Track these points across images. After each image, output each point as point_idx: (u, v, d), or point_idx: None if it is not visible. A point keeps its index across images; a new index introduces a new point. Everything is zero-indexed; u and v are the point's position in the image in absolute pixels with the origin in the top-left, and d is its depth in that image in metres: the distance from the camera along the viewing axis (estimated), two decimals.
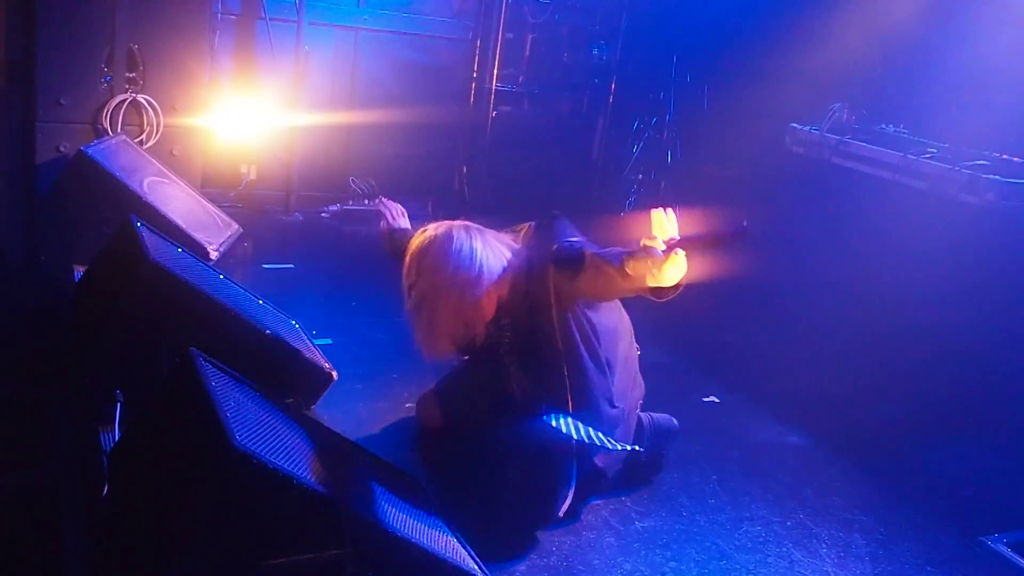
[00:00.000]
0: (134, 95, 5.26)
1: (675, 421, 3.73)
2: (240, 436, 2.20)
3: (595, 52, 7.55)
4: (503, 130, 7.40)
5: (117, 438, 3.02)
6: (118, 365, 3.25)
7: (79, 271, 4.10)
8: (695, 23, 7.06)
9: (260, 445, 2.26)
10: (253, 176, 6.58)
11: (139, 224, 3.59)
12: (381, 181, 6.96)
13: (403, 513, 2.61)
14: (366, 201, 6.90)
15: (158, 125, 5.36)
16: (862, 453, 4.11)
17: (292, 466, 2.28)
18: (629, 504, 3.46)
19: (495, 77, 7.23)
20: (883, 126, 5.84)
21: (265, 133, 6.48)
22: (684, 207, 2.88)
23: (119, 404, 3.17)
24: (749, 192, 6.37)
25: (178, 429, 2.51)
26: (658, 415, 3.71)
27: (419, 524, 2.64)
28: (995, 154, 5.12)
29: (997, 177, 4.82)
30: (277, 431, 2.49)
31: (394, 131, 6.92)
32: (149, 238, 3.50)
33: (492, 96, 7.27)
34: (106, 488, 2.70)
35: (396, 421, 3.87)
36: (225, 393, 2.46)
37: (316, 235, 6.51)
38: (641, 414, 3.65)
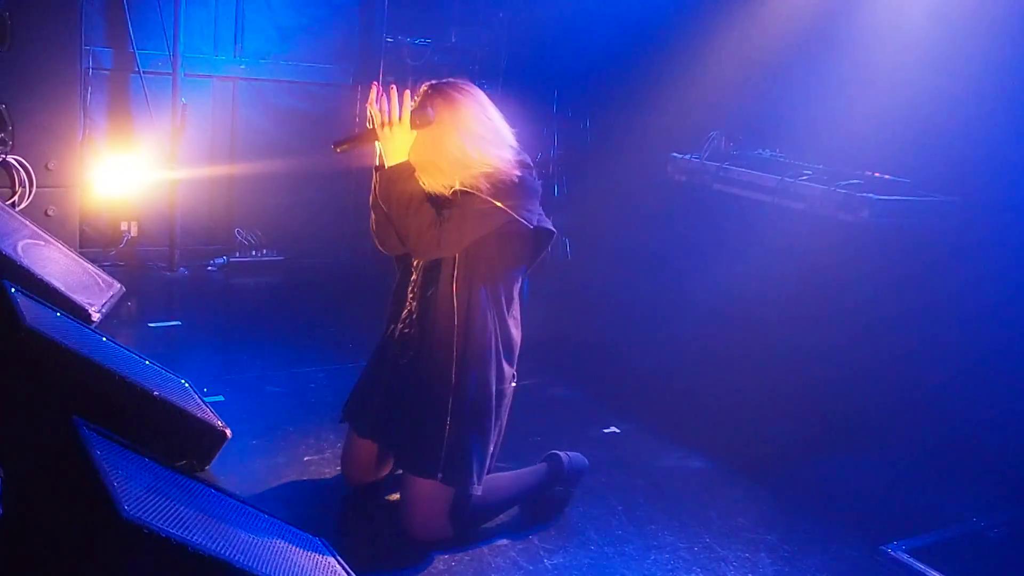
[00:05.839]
0: (4, 156, 5.10)
1: (586, 460, 3.77)
2: (129, 506, 2.12)
3: None
4: None
5: None
6: None
7: None
8: (574, 59, 7.17)
9: (150, 514, 2.18)
10: (134, 233, 6.41)
11: (13, 289, 3.46)
12: (267, 231, 6.86)
13: (302, 574, 2.55)
14: (253, 252, 6.79)
15: (31, 186, 5.21)
16: (763, 471, 4.17)
17: (186, 533, 2.20)
18: (536, 542, 3.44)
19: None
20: (760, 151, 6.00)
21: (145, 188, 6.33)
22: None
23: (0, 479, 3.02)
24: (635, 222, 6.47)
25: (64, 503, 2.40)
26: (573, 454, 3.73)
27: None
28: (868, 173, 5.30)
29: (871, 195, 4.99)
30: (169, 498, 2.41)
31: (278, 180, 6.83)
32: (24, 303, 3.37)
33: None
34: None
35: (295, 476, 3.78)
36: (112, 462, 2.37)
37: (203, 290, 6.36)
38: (560, 452, 3.68)
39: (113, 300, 4.85)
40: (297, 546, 2.76)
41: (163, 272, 6.50)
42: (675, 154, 6.23)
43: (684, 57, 6.21)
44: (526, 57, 7.57)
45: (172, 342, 5.17)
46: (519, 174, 3.20)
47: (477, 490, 3.31)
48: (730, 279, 5.42)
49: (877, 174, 5.28)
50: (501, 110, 3.34)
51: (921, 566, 3.51)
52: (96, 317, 4.44)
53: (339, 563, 2.81)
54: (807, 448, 4.45)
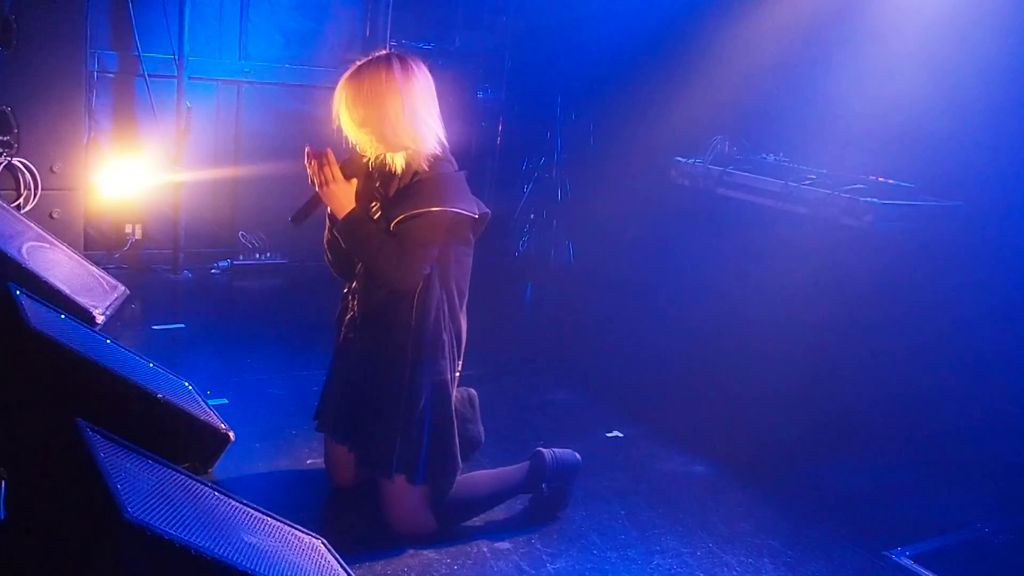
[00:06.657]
0: (9, 158, 5.11)
1: (578, 456, 3.73)
2: (132, 508, 2.12)
3: (480, 95, 7.61)
4: None
5: (2, 518, 2.88)
6: (0, 440, 3.11)
7: None
8: (577, 63, 7.18)
9: (154, 516, 2.18)
10: (138, 235, 6.42)
11: (18, 292, 3.46)
12: (271, 234, 6.86)
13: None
14: (256, 255, 6.79)
15: (36, 188, 5.22)
16: (766, 476, 4.17)
17: (189, 535, 2.20)
18: (539, 546, 3.44)
19: None
20: (764, 155, 6.00)
21: (149, 191, 6.33)
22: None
23: (3, 481, 3.03)
24: (638, 225, 6.47)
25: (67, 504, 2.41)
26: (560, 450, 3.70)
27: None
28: (871, 177, 5.30)
29: (875, 200, 4.99)
30: (172, 500, 2.41)
31: (282, 183, 6.81)
32: (29, 305, 3.38)
33: None
34: None
35: (298, 479, 3.78)
36: (115, 464, 2.37)
37: (207, 292, 6.37)
38: (544, 449, 3.66)
39: (117, 302, 4.86)
40: (299, 548, 2.76)
41: (167, 275, 6.51)
42: (679, 158, 6.24)
43: (688, 61, 6.21)
44: (529, 61, 7.58)
45: (176, 345, 5.17)
46: (440, 170, 3.28)
47: (445, 484, 3.36)
48: (733, 283, 5.42)
49: (881, 178, 5.29)
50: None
51: (925, 572, 3.50)
52: (100, 319, 4.45)
53: (340, 565, 2.81)
54: (810, 453, 4.45)
